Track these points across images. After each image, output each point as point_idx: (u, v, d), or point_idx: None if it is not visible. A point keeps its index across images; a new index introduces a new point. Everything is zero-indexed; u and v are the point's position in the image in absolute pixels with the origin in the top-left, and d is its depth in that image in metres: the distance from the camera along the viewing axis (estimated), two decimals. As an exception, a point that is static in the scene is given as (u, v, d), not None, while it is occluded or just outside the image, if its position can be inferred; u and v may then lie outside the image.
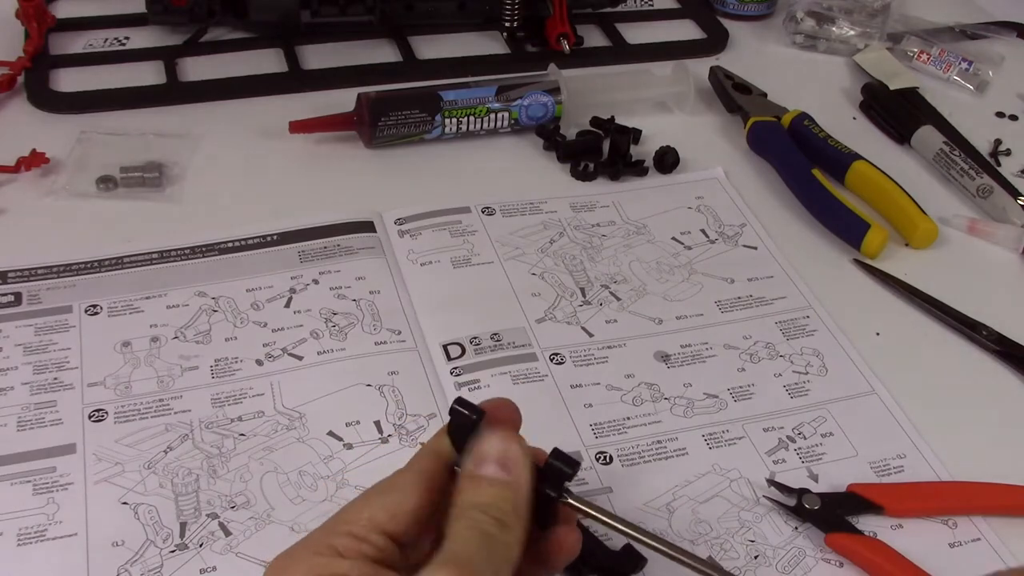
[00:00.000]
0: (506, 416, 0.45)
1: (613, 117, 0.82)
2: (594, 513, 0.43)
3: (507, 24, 0.90)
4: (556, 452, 0.43)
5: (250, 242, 0.69)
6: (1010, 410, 0.63)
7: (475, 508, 0.40)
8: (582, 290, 0.67)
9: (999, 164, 0.83)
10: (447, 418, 0.57)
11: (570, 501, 0.43)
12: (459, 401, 0.43)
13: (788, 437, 0.59)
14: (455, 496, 0.41)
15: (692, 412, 0.60)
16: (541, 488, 0.42)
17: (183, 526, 0.52)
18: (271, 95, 0.83)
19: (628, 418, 0.59)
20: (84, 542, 0.51)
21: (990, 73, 0.92)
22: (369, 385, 0.59)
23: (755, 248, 0.72)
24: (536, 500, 0.42)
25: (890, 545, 0.53)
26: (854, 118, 0.87)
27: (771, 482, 0.56)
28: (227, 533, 0.52)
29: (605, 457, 0.57)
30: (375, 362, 0.61)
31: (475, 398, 0.58)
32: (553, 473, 0.42)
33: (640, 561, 0.51)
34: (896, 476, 0.57)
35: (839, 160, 0.78)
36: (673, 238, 0.72)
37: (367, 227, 0.70)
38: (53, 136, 0.76)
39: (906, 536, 0.54)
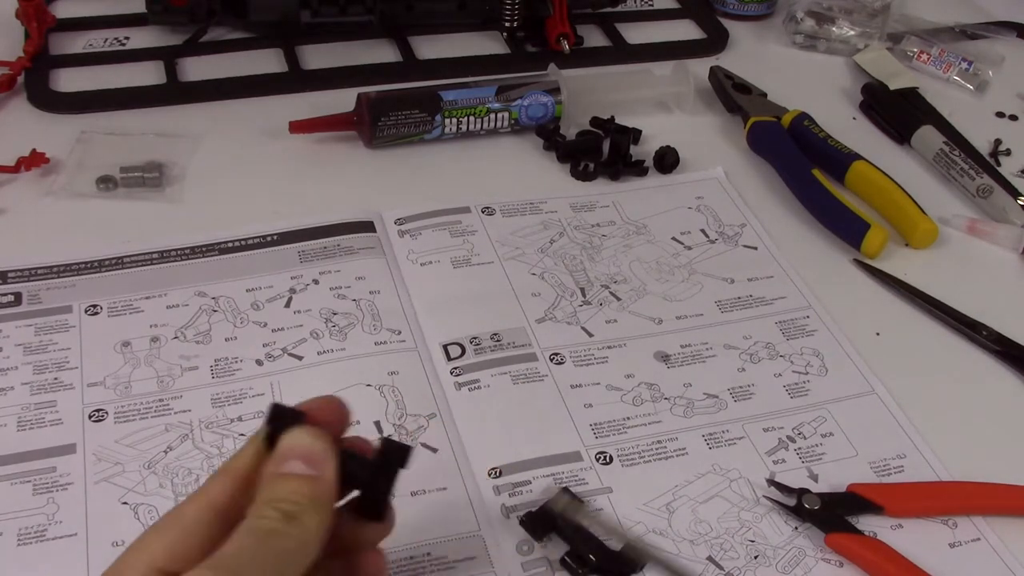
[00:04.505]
0: (329, 415, 0.42)
1: (613, 117, 0.82)
2: None
3: (507, 24, 0.90)
4: (386, 441, 0.41)
5: (250, 242, 0.69)
6: (1010, 410, 0.63)
7: (264, 504, 0.37)
8: (582, 290, 0.67)
9: (999, 164, 0.83)
10: (447, 418, 0.58)
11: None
12: (275, 408, 0.40)
13: (788, 437, 0.59)
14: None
15: (692, 412, 0.60)
16: (374, 479, 0.41)
17: (183, 526, 0.52)
18: (271, 95, 0.83)
19: (628, 418, 0.59)
20: (84, 542, 0.51)
21: (990, 73, 0.92)
22: (369, 385, 0.59)
23: (755, 248, 0.72)
24: (368, 493, 0.41)
25: (890, 545, 0.53)
26: (854, 118, 0.87)
27: (771, 482, 0.56)
28: (227, 533, 0.52)
29: (605, 457, 0.57)
30: (375, 362, 0.61)
31: (475, 398, 0.59)
32: (387, 462, 0.41)
33: (640, 561, 0.51)
34: (896, 476, 0.57)
35: (839, 160, 0.78)
36: (673, 238, 0.72)
37: (367, 227, 0.70)
38: (53, 136, 0.76)
39: (906, 536, 0.54)
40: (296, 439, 0.39)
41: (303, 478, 0.38)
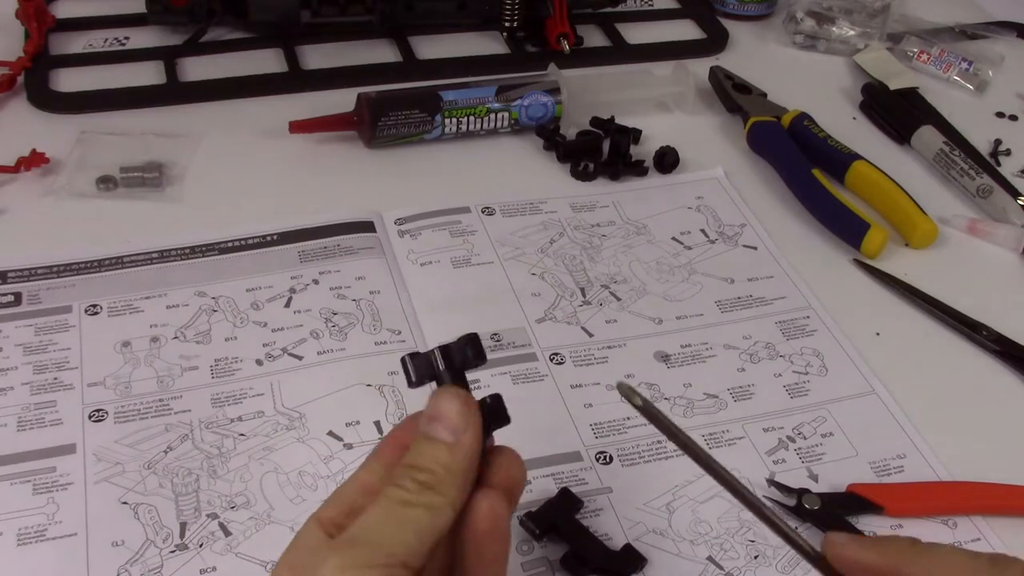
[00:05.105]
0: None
1: (613, 117, 0.82)
2: None
3: (507, 24, 0.90)
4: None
5: (250, 242, 0.69)
6: (1010, 410, 0.63)
7: (404, 470, 0.39)
8: (582, 290, 0.67)
9: (999, 164, 0.83)
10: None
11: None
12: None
13: (788, 437, 0.59)
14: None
15: (692, 412, 0.60)
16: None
17: (183, 526, 0.52)
18: (271, 95, 0.83)
19: (628, 418, 0.59)
20: (84, 542, 0.51)
21: (990, 73, 0.92)
22: (369, 385, 0.59)
23: (755, 248, 0.72)
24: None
25: (890, 545, 0.53)
26: (854, 118, 0.87)
27: (771, 482, 0.56)
28: (227, 533, 0.52)
29: (605, 457, 0.57)
30: (375, 362, 0.61)
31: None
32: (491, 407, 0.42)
33: (640, 561, 0.51)
34: (896, 476, 0.57)
35: (839, 160, 0.78)
36: (673, 238, 0.72)
37: (367, 227, 0.70)
38: (53, 136, 0.76)
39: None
40: (446, 404, 0.41)
41: (443, 445, 0.40)
